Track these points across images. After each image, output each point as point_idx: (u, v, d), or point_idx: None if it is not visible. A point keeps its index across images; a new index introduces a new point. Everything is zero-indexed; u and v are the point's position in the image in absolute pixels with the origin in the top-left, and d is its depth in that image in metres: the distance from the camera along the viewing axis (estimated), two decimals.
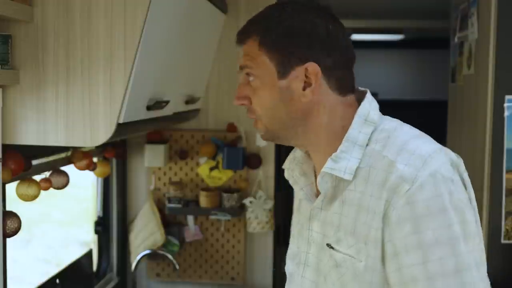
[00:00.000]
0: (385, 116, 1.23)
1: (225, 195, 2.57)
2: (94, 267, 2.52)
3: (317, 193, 1.25)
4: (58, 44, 1.45)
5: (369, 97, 1.22)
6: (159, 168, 2.67)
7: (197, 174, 2.66)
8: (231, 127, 2.61)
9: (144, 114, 1.70)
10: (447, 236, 1.05)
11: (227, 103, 2.63)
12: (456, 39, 2.57)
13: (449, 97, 2.78)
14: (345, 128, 1.18)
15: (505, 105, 2.04)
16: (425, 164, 1.08)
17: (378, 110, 1.22)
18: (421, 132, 1.20)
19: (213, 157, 2.61)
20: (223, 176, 2.63)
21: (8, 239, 1.53)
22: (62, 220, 6.63)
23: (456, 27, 2.56)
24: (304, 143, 1.24)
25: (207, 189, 2.62)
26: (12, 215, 1.52)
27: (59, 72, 1.45)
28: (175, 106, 2.00)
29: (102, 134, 1.46)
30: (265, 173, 2.60)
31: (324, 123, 1.19)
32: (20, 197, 1.67)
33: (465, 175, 1.15)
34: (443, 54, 3.40)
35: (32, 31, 1.46)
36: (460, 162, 1.15)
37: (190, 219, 2.66)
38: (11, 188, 1.65)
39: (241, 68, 1.23)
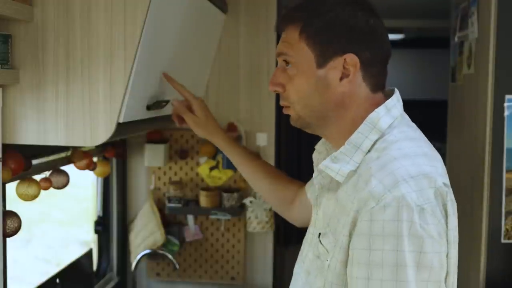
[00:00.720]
0: (404, 123, 1.22)
1: (225, 194, 2.57)
2: (94, 267, 2.52)
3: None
4: (58, 43, 1.45)
5: (389, 102, 1.21)
6: (159, 168, 2.67)
7: (197, 174, 2.66)
8: (231, 127, 2.61)
9: (144, 114, 1.70)
10: (393, 261, 1.05)
11: (227, 102, 2.63)
12: (456, 39, 2.57)
13: (449, 96, 2.78)
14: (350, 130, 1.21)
15: (505, 104, 2.04)
16: (395, 187, 1.07)
17: (394, 117, 1.20)
18: (425, 151, 1.17)
19: (213, 157, 2.61)
20: (223, 176, 2.63)
21: (8, 239, 1.53)
22: (62, 219, 6.63)
23: (456, 26, 2.55)
24: (332, 135, 1.26)
25: (207, 188, 2.62)
26: (12, 214, 1.52)
27: (59, 71, 1.45)
28: None
29: (102, 133, 1.46)
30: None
31: (351, 116, 1.21)
32: (20, 196, 1.67)
33: (450, 204, 1.12)
34: (443, 53, 3.40)
35: (32, 30, 1.45)
36: (447, 191, 1.12)
37: (190, 218, 2.66)
38: (11, 187, 1.65)
39: (279, 55, 1.24)
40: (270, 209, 2.58)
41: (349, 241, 1.12)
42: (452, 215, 1.11)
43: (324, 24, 1.18)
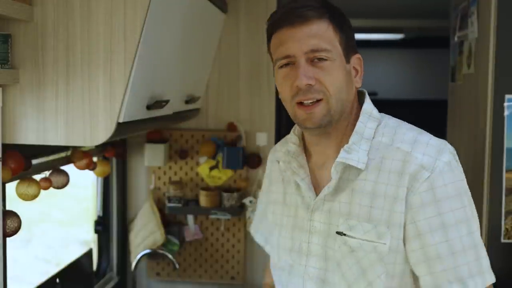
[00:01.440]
0: (382, 113, 1.35)
1: (225, 194, 2.57)
2: (94, 267, 2.52)
3: (315, 185, 1.33)
4: (57, 43, 1.45)
5: (367, 96, 1.35)
6: (159, 168, 2.67)
7: (197, 174, 2.65)
8: (231, 127, 2.61)
9: (144, 114, 1.70)
10: (464, 217, 1.20)
11: (227, 102, 2.63)
12: (456, 38, 2.57)
13: (449, 96, 2.78)
14: (351, 123, 1.31)
15: (505, 104, 2.04)
16: (440, 154, 1.21)
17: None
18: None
19: (213, 157, 2.61)
20: (223, 176, 2.62)
21: (8, 239, 1.53)
22: (62, 219, 6.63)
23: (456, 26, 2.55)
24: (332, 135, 1.30)
25: (207, 188, 2.62)
26: (12, 214, 1.52)
27: (59, 71, 1.45)
28: (175, 105, 2.00)
29: (102, 133, 1.46)
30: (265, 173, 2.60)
31: (352, 114, 1.31)
32: (20, 196, 1.67)
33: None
34: (443, 53, 3.40)
35: (32, 30, 1.45)
36: (455, 152, 1.27)
37: (190, 218, 2.66)
38: (11, 187, 1.65)
39: (314, 51, 1.22)
40: None
41: (405, 217, 1.20)
42: None
43: (348, 24, 1.29)
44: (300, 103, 1.24)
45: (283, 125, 3.67)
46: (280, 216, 1.41)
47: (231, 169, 2.59)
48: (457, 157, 1.26)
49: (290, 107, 1.27)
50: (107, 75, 1.44)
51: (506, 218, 2.07)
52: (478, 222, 1.23)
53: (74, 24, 1.44)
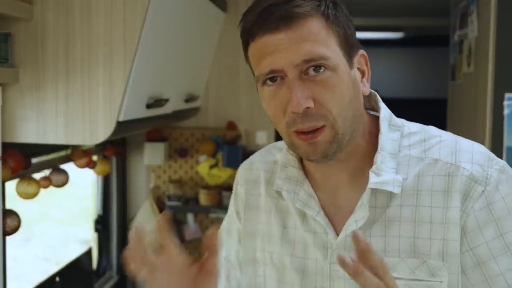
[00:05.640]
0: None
1: (224, 193, 2.57)
2: (94, 265, 2.52)
3: (328, 217, 1.03)
4: (57, 42, 1.45)
5: (380, 98, 1.05)
6: (159, 166, 2.67)
7: (196, 172, 2.65)
8: (231, 125, 2.61)
9: (144, 112, 1.69)
10: None
11: (226, 101, 2.63)
12: (456, 37, 2.57)
13: (448, 95, 2.78)
14: (368, 135, 1.01)
15: (505, 103, 2.04)
16: (490, 161, 0.97)
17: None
18: None
19: (213, 155, 2.61)
20: (222, 174, 2.62)
21: (8, 237, 1.53)
22: (62, 218, 6.63)
23: (456, 25, 2.55)
24: (344, 157, 0.99)
25: (207, 187, 2.62)
26: (12, 213, 1.52)
27: (59, 70, 1.45)
28: (174, 104, 2.00)
29: (101, 132, 1.46)
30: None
31: (363, 126, 1.00)
32: (20, 195, 1.67)
33: None
34: (443, 52, 3.40)
35: (32, 29, 1.45)
36: None
37: (190, 217, 2.66)
38: (11, 186, 1.65)
39: (308, 61, 0.90)
40: None
41: (460, 245, 0.95)
42: None
43: (340, 16, 0.93)
44: (299, 131, 0.94)
45: None
46: (278, 256, 1.07)
47: (231, 168, 2.59)
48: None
49: (285, 136, 0.96)
50: (107, 74, 1.44)
51: None
52: None
53: (74, 23, 1.44)
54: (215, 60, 2.55)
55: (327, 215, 1.02)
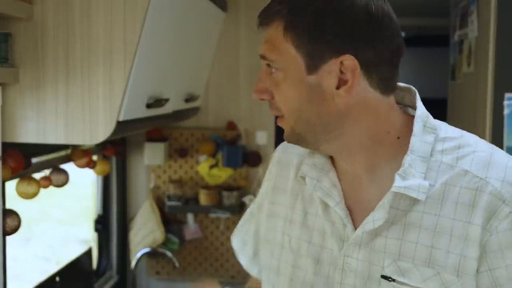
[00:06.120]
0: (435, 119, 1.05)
1: (224, 193, 2.57)
2: (94, 265, 2.52)
3: (348, 209, 1.02)
4: (57, 42, 1.45)
5: (418, 96, 1.03)
6: (159, 166, 2.67)
7: (196, 172, 2.66)
8: (231, 125, 2.62)
9: (144, 112, 1.69)
10: None
11: (226, 101, 2.63)
12: (456, 37, 2.57)
13: (448, 95, 2.78)
14: (391, 135, 0.98)
15: (505, 103, 2.04)
16: None
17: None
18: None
19: (213, 155, 2.61)
20: (222, 174, 2.62)
21: (8, 237, 1.53)
22: (62, 218, 6.63)
23: (456, 25, 2.55)
24: (336, 149, 1.01)
25: (206, 187, 2.62)
26: (12, 213, 1.52)
27: (59, 69, 1.45)
28: (174, 104, 2.00)
29: (101, 132, 1.46)
30: (265, 171, 2.59)
31: (365, 128, 0.97)
32: (20, 195, 1.67)
33: None
34: (443, 52, 3.40)
35: (31, 29, 1.45)
36: None
37: (190, 217, 2.66)
38: (11, 186, 1.65)
39: (262, 57, 1.00)
40: None
41: (478, 264, 0.92)
42: None
43: (312, 18, 0.93)
44: None
45: None
46: (297, 240, 1.08)
47: (231, 168, 2.59)
48: None
49: None
50: (107, 74, 1.44)
51: None
52: None
53: (74, 22, 1.44)
54: (215, 60, 2.55)
55: (348, 207, 1.02)
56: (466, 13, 2.36)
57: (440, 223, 0.94)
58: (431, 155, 0.97)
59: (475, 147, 0.97)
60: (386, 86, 0.97)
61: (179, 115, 2.18)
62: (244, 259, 1.30)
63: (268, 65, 0.99)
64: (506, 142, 2.04)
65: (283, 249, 1.11)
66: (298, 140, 1.01)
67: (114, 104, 1.45)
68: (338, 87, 0.94)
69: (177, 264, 2.50)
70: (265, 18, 0.99)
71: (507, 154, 0.99)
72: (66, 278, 2.07)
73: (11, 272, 1.65)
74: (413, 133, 0.97)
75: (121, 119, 1.48)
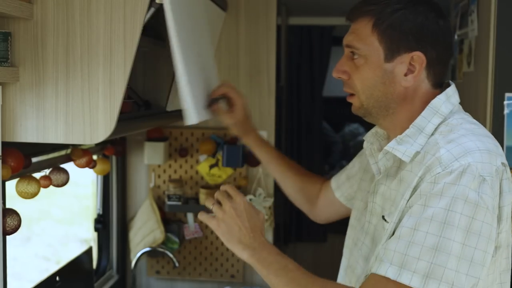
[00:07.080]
0: (461, 111, 1.34)
1: None
2: (94, 265, 2.52)
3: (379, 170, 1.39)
4: (57, 41, 1.45)
5: (449, 91, 1.31)
6: (159, 166, 2.67)
7: (196, 172, 2.66)
8: None
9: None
10: (443, 219, 1.12)
11: None
12: (456, 36, 2.57)
13: None
14: (413, 116, 1.30)
15: (505, 102, 2.04)
16: (463, 156, 1.16)
17: (454, 104, 1.31)
18: (486, 132, 1.28)
19: (213, 155, 2.61)
20: (222, 174, 2.63)
21: (8, 237, 1.53)
22: (62, 217, 6.63)
23: (456, 24, 2.55)
24: (388, 125, 1.35)
25: (207, 186, 2.62)
26: (12, 212, 1.52)
27: (59, 69, 1.45)
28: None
29: (101, 131, 1.46)
30: (265, 171, 2.60)
31: (413, 110, 1.30)
32: (19, 194, 1.67)
33: (506, 182, 1.20)
34: None
35: (31, 28, 1.45)
36: (504, 169, 1.21)
37: (190, 216, 2.66)
38: (11, 185, 1.65)
39: (347, 46, 1.31)
40: (270, 207, 2.58)
41: (407, 203, 1.20)
42: (507, 192, 1.20)
43: (396, 22, 1.26)
44: None
45: (282, 123, 3.67)
46: (364, 198, 1.52)
47: (231, 167, 2.59)
48: (503, 175, 1.19)
49: None
50: (107, 73, 1.44)
51: None
52: (480, 242, 1.12)
53: (74, 22, 1.44)
54: (216, 60, 2.54)
55: None
56: (466, 12, 2.36)
57: (411, 177, 1.23)
58: (432, 134, 1.26)
59: (456, 131, 1.23)
60: (437, 80, 1.31)
61: (179, 114, 2.18)
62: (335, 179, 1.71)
63: (352, 52, 1.30)
64: (506, 142, 2.04)
65: (355, 200, 1.59)
66: (364, 112, 1.34)
67: (114, 103, 1.45)
68: (406, 74, 1.27)
69: (177, 264, 2.50)
70: (355, 14, 1.31)
71: (482, 141, 1.21)
72: (66, 278, 2.07)
73: (11, 271, 1.65)
74: (422, 113, 1.28)
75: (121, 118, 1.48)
